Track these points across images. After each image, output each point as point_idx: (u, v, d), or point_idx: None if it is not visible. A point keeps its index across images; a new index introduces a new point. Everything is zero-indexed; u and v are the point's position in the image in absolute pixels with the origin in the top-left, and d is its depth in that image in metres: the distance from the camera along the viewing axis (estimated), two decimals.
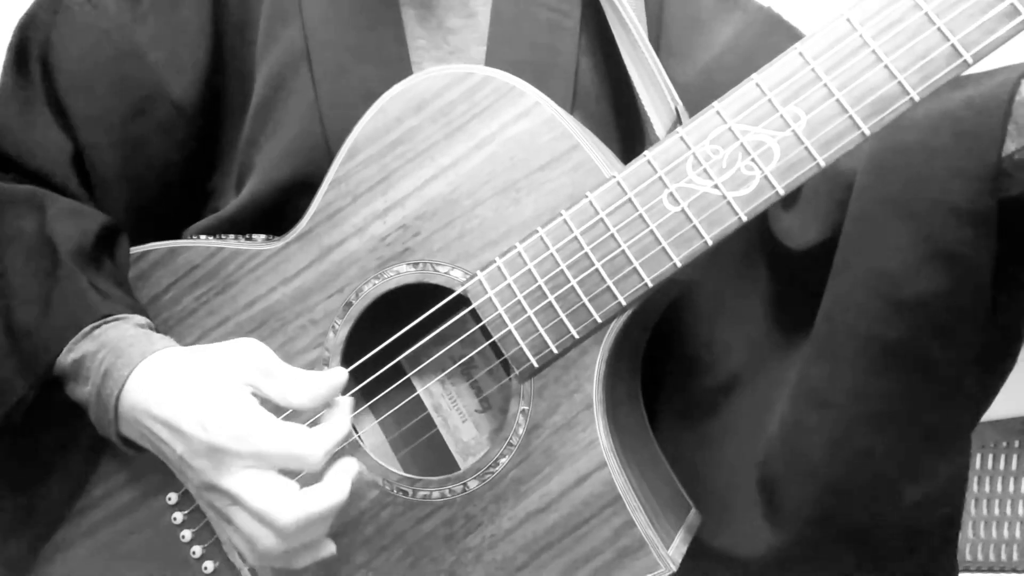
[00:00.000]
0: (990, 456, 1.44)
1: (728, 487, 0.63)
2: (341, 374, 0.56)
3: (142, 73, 0.65)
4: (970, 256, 0.53)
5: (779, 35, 0.67)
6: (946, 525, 0.59)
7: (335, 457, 0.55)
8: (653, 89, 0.65)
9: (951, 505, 0.59)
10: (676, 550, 0.56)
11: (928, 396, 0.56)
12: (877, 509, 0.58)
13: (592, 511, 0.55)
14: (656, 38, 0.69)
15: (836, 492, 0.58)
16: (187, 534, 0.61)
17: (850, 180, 0.58)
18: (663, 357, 0.69)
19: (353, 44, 0.65)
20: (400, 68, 0.65)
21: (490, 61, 0.66)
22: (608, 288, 0.54)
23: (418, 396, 0.64)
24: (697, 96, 0.64)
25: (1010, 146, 0.51)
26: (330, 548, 0.55)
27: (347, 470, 0.55)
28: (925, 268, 0.54)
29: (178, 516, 0.61)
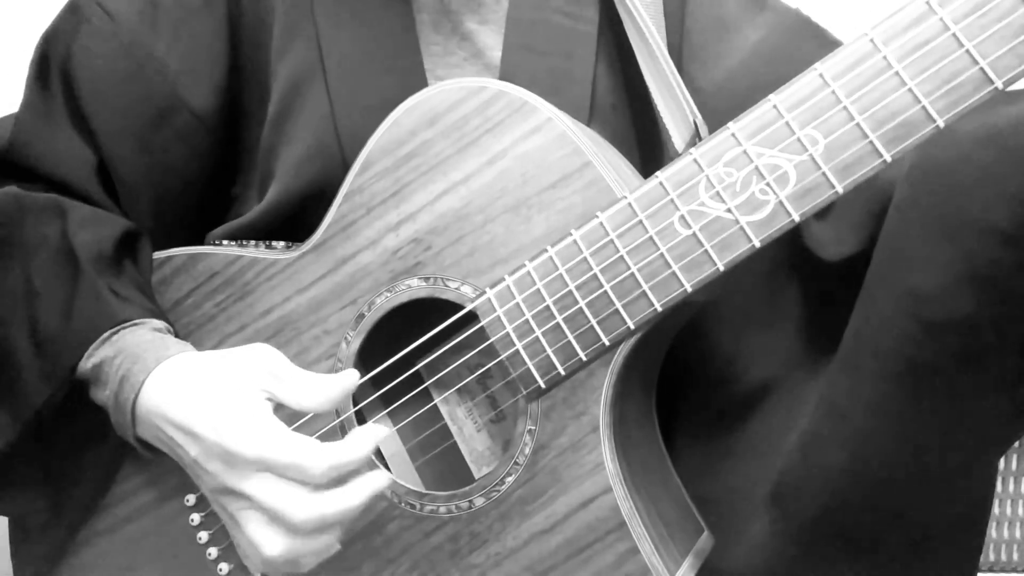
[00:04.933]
0: None
1: (743, 504, 0.62)
2: (352, 375, 0.55)
3: (161, 84, 0.65)
4: (1007, 281, 0.50)
5: (807, 38, 0.64)
6: (969, 551, 0.57)
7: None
8: (671, 99, 0.63)
9: (971, 528, 0.57)
10: None
11: (951, 419, 0.54)
12: (890, 526, 0.57)
13: (596, 535, 0.54)
14: (678, 43, 0.67)
15: (849, 505, 0.56)
16: (204, 536, 0.62)
17: (887, 192, 0.55)
18: (683, 372, 0.68)
19: (366, 52, 0.65)
20: (414, 75, 0.65)
21: (505, 67, 0.65)
22: (617, 311, 0.53)
23: (435, 406, 0.64)
24: (722, 102, 0.62)
25: None
26: (334, 546, 0.55)
27: (370, 481, 0.54)
28: (959, 290, 0.51)
29: (195, 517, 0.63)
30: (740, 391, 0.65)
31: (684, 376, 0.68)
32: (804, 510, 0.56)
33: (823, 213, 0.62)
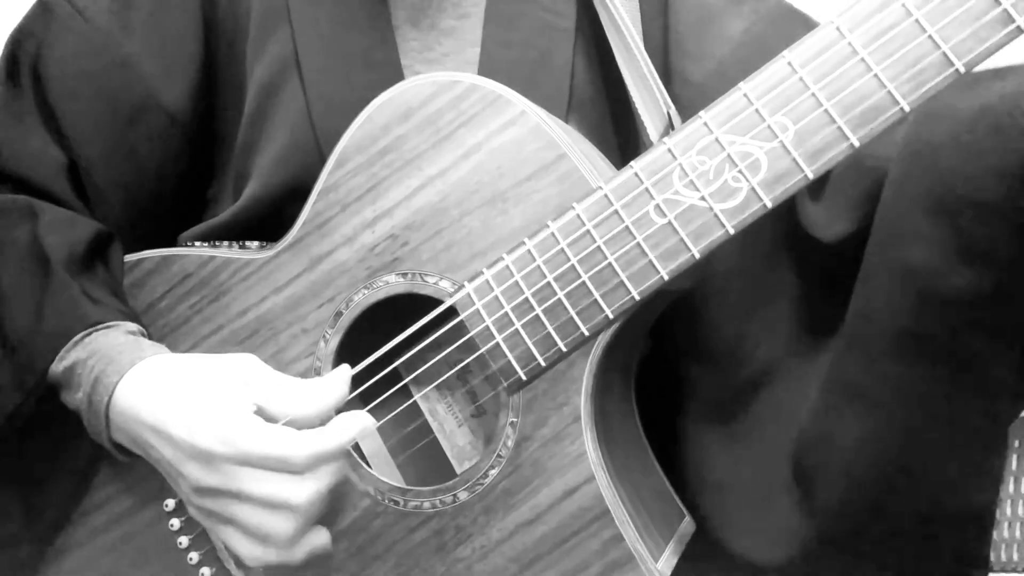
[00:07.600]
0: None
1: (757, 485, 0.62)
2: (344, 373, 0.56)
3: (133, 83, 0.64)
4: (1004, 254, 0.51)
5: (792, 24, 0.65)
6: (981, 515, 0.58)
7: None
8: (646, 93, 0.63)
9: (986, 496, 0.57)
10: (666, 562, 0.56)
11: (964, 389, 0.54)
12: (910, 502, 0.57)
13: (581, 524, 0.55)
14: (660, 40, 0.67)
15: (869, 484, 0.56)
16: (184, 540, 0.62)
17: (880, 171, 0.56)
18: (690, 358, 0.67)
19: (342, 49, 0.65)
20: (390, 71, 0.65)
21: (484, 63, 0.65)
22: (595, 301, 0.53)
23: (415, 402, 0.64)
24: (713, 95, 0.63)
25: None
26: (324, 537, 0.55)
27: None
28: (958, 265, 0.52)
29: (175, 522, 0.62)
30: (747, 373, 0.65)
31: (691, 362, 0.68)
32: (827, 487, 0.56)
33: (817, 194, 0.63)
